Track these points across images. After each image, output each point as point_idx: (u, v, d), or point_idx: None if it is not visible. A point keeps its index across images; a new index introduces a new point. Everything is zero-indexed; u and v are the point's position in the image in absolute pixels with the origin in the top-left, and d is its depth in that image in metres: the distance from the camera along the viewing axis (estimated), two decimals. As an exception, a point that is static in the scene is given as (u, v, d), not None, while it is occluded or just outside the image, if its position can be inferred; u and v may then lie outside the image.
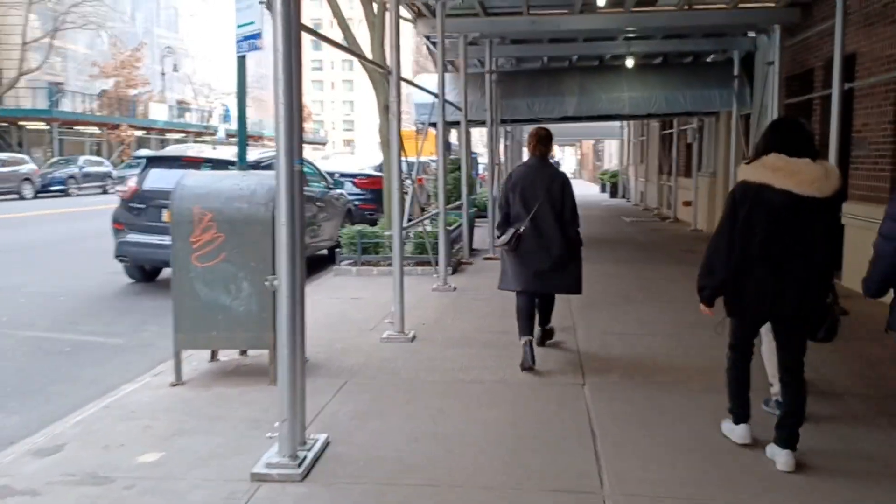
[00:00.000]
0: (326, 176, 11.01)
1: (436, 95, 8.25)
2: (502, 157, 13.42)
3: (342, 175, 14.60)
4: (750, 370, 3.76)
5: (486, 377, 5.06)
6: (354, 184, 14.29)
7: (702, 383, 4.78)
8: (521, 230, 5.05)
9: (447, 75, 13.54)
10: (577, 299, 7.22)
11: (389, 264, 9.45)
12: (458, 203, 11.12)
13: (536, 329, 5.46)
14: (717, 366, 4.25)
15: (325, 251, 10.38)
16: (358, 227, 9.70)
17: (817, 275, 3.33)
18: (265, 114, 64.55)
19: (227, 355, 5.41)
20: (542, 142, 5.29)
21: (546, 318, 5.71)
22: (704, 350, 5.48)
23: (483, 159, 33.69)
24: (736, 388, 3.75)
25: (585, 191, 33.25)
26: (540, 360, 5.25)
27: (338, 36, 10.16)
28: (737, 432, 3.77)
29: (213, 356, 5.33)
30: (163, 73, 44.34)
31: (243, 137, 5.66)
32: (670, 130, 18.34)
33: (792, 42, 9.57)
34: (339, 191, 11.26)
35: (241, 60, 5.50)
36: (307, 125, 67.00)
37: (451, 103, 10.30)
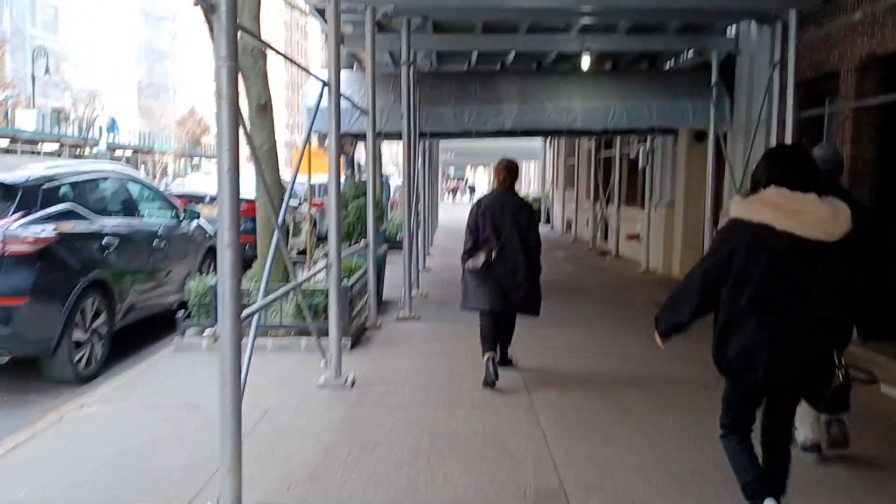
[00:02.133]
0: (175, 202, 7.86)
1: (324, 83, 5.37)
2: (420, 180, 10.53)
3: (212, 199, 11.42)
4: (752, 444, 2.96)
5: None
6: (230, 210, 11.12)
7: None
8: (493, 254, 5.26)
9: (350, 73, 10.68)
10: (564, 432, 4.44)
11: (262, 332, 6.48)
12: (361, 243, 8.22)
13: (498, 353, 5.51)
14: None
15: (174, 306, 7.24)
16: (211, 278, 6.61)
17: (821, 335, 2.79)
18: (155, 125, 59.55)
19: None
20: (511, 172, 5.52)
21: (507, 341, 5.77)
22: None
23: (395, 180, 30.84)
24: (743, 463, 2.94)
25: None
26: None
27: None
28: None
29: None
30: (33, 77, 39.03)
31: None
32: (609, 152, 16.10)
33: (809, 36, 7.23)
34: (195, 221, 8.11)
35: None
36: (204, 139, 62.22)
37: (353, 103, 7.43)
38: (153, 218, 7.26)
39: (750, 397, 2.94)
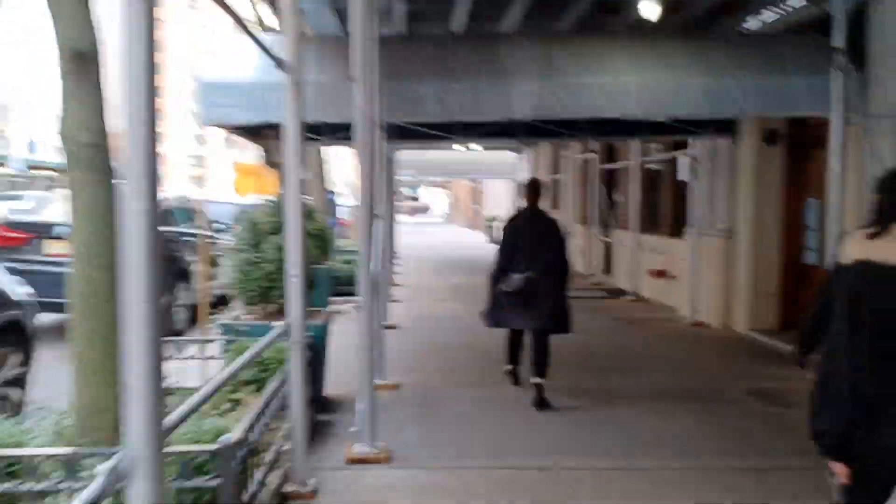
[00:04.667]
0: None
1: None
2: (380, 199, 6.73)
3: (66, 229, 7.65)
4: None
5: None
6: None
7: None
8: (527, 274, 5.31)
9: (276, 38, 7.07)
10: None
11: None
12: (274, 329, 4.59)
13: (533, 385, 5.38)
14: None
15: None
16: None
17: None
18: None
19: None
20: (534, 191, 5.65)
21: (542, 366, 5.39)
22: None
23: (345, 199, 26.90)
24: None
25: (466, 240, 27.62)
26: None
27: None
28: None
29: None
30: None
31: None
32: (623, 163, 12.85)
33: None
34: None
35: None
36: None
37: (269, 53, 3.77)
38: None
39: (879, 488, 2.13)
